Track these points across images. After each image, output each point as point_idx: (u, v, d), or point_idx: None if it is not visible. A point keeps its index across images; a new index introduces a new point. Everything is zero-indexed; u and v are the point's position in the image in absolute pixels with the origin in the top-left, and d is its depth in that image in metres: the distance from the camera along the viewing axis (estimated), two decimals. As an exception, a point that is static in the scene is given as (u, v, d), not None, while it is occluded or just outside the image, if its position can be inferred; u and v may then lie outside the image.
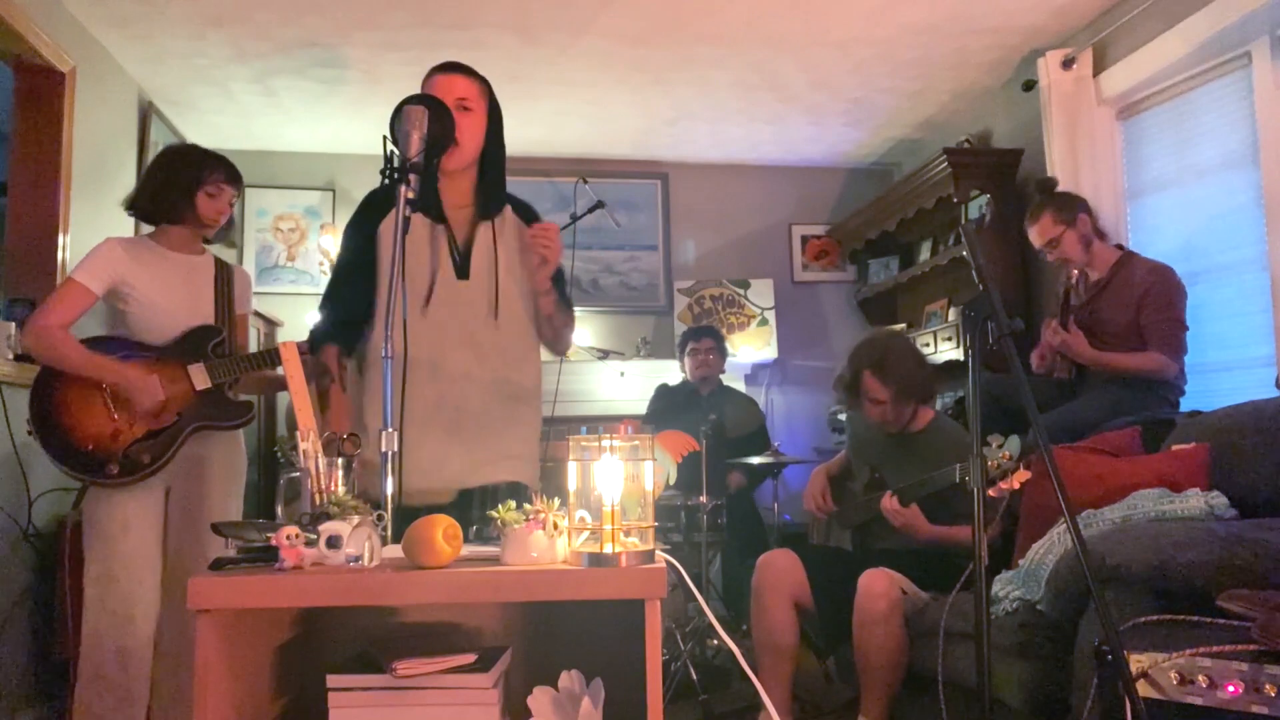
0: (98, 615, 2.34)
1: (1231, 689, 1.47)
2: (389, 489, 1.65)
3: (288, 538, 1.32)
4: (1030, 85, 4.10)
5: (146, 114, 4.40)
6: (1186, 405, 3.11)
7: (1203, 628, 1.68)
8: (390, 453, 1.66)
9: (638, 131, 5.15)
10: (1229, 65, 3.37)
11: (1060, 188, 3.47)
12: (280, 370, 2.58)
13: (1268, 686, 1.44)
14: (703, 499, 3.58)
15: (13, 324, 3.00)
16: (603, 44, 4.06)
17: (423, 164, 1.84)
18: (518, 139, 4.92)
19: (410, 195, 1.81)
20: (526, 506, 1.39)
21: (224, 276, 2.66)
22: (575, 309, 2.47)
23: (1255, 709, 1.44)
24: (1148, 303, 3.05)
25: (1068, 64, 3.88)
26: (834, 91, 4.64)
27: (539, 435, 2.28)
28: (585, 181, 4.97)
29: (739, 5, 3.73)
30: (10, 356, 2.96)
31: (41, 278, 3.42)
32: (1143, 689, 1.54)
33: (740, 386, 5.13)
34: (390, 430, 1.67)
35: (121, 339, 2.47)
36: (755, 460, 3.86)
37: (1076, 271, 3.22)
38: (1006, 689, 2.21)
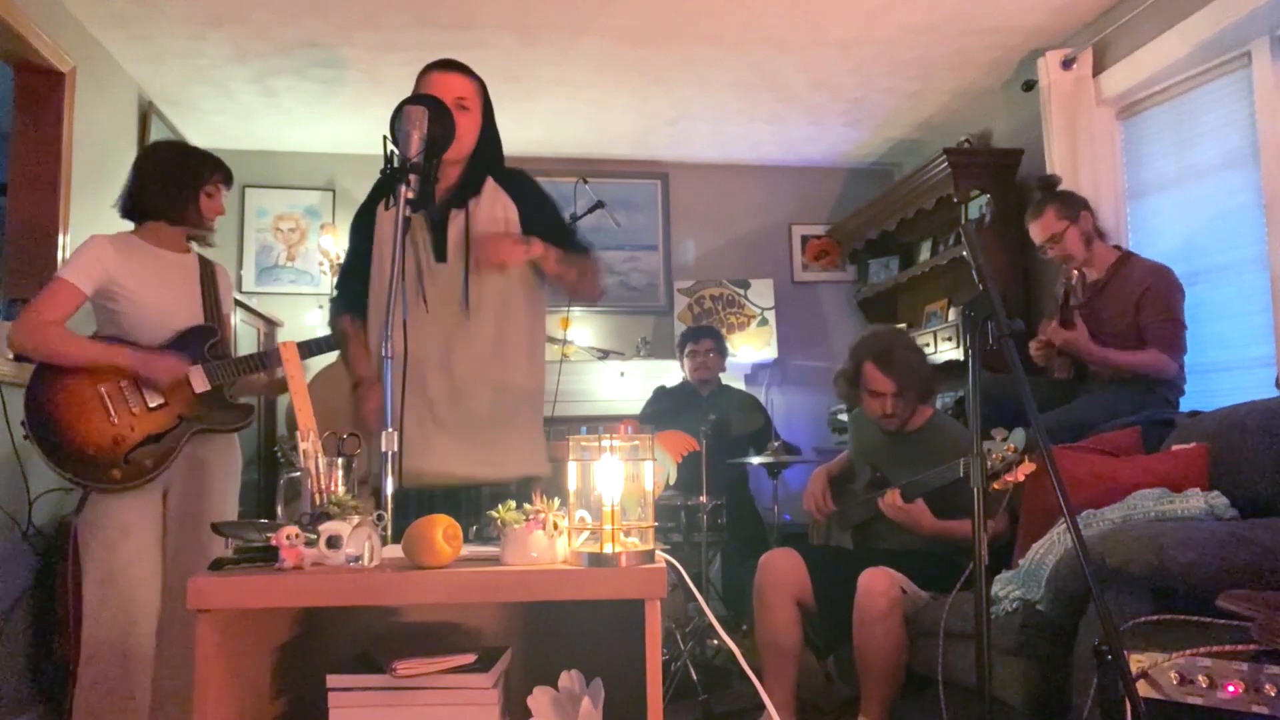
0: (98, 619, 2.32)
1: (1231, 689, 1.47)
2: (389, 489, 1.65)
3: (288, 538, 1.32)
4: (1030, 85, 4.10)
5: (146, 114, 4.40)
6: (1186, 405, 3.11)
7: (1203, 628, 1.68)
8: (390, 452, 1.66)
9: (638, 131, 5.15)
10: (1229, 65, 3.37)
11: (1061, 187, 3.47)
12: (280, 373, 2.59)
13: (1268, 686, 1.44)
14: (703, 499, 3.58)
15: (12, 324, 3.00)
16: (603, 44, 4.06)
17: (423, 164, 1.84)
18: (518, 139, 4.92)
19: (410, 195, 1.81)
20: (526, 506, 1.39)
21: (208, 275, 2.63)
22: (575, 308, 2.45)
23: (1255, 709, 1.44)
24: (1146, 303, 3.05)
25: (1068, 64, 3.88)
26: (834, 91, 4.64)
27: (537, 423, 2.27)
28: (585, 181, 4.97)
29: (739, 6, 3.73)
30: (10, 356, 2.96)
31: (41, 278, 3.42)
32: (1143, 689, 1.54)
33: (740, 386, 5.13)
34: (390, 430, 1.67)
35: (115, 340, 2.44)
36: (756, 460, 3.86)
37: (1076, 271, 3.21)
38: (1006, 689, 2.21)
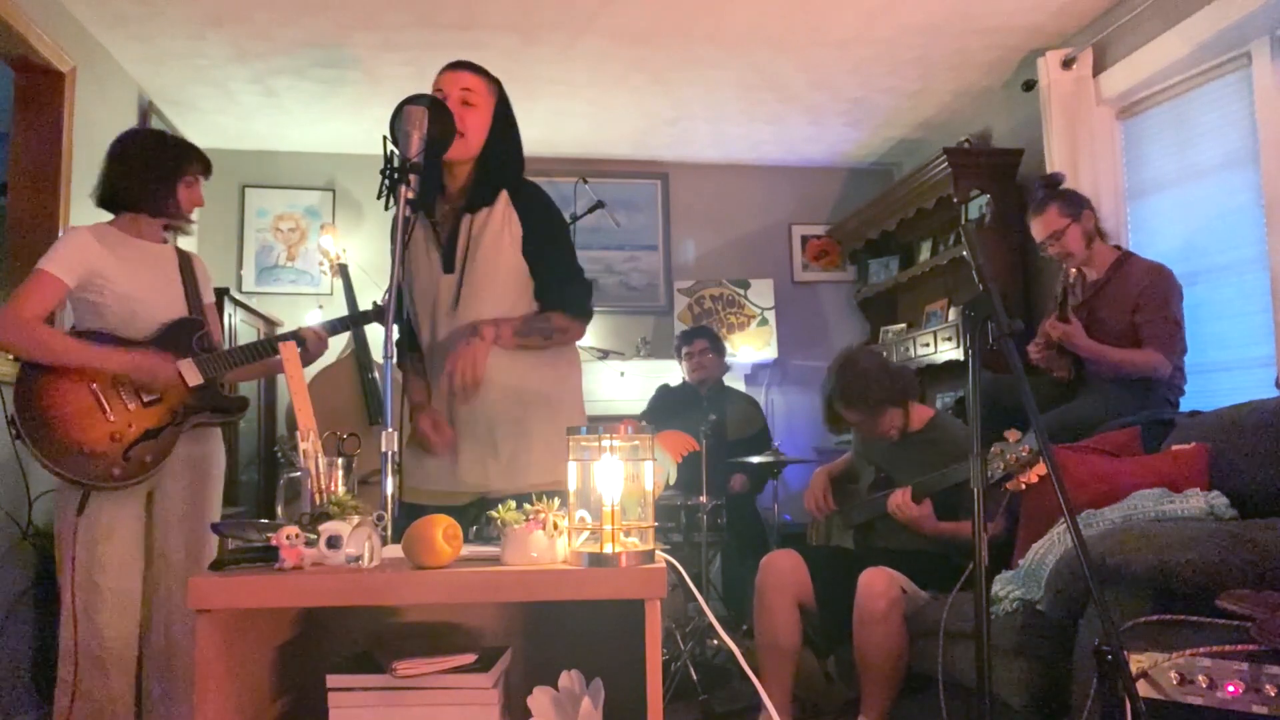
0: (78, 622, 2.27)
1: (1231, 689, 1.47)
2: (389, 489, 1.65)
3: (288, 538, 1.32)
4: (1030, 85, 4.10)
5: (146, 114, 4.40)
6: (1186, 405, 3.11)
7: (1203, 628, 1.68)
8: (390, 452, 1.66)
9: (638, 131, 5.15)
10: (1229, 65, 3.37)
11: (1062, 186, 3.47)
12: (282, 362, 2.57)
13: (1268, 686, 1.44)
14: (703, 499, 3.58)
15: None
16: (603, 44, 4.06)
17: (423, 164, 1.84)
18: (518, 139, 4.91)
19: (410, 195, 1.81)
20: (526, 507, 1.39)
21: (187, 266, 2.58)
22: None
23: (1255, 709, 1.44)
24: (1144, 302, 3.05)
25: (1068, 64, 3.88)
26: (834, 91, 4.64)
27: (556, 431, 2.26)
28: (585, 181, 4.97)
29: (739, 5, 3.73)
30: (10, 356, 2.96)
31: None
32: (1143, 689, 1.54)
33: (740, 386, 5.13)
34: (390, 430, 1.67)
35: (101, 334, 2.37)
36: (755, 460, 3.87)
37: (1075, 270, 3.21)
38: (1006, 689, 2.21)
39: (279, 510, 1.55)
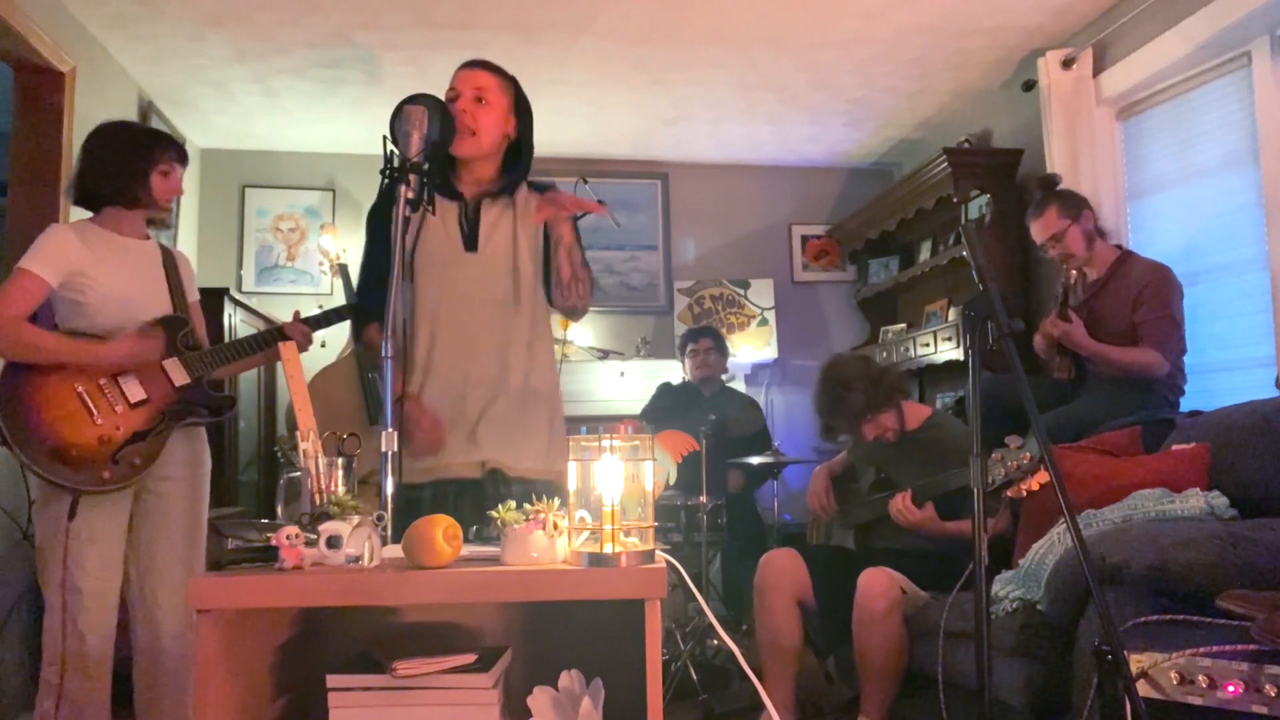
0: (60, 626, 2.24)
1: (1231, 689, 1.47)
2: (389, 489, 1.65)
3: (288, 538, 1.32)
4: (1030, 85, 4.10)
5: (146, 114, 4.40)
6: (1186, 405, 3.11)
7: (1203, 628, 1.68)
8: (390, 452, 1.66)
9: (638, 131, 5.15)
10: (1229, 65, 3.37)
11: (1061, 186, 3.47)
12: (269, 356, 2.55)
13: (1268, 686, 1.44)
14: (703, 499, 3.58)
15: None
16: (603, 44, 4.06)
17: (422, 164, 1.84)
18: (518, 139, 4.92)
19: (410, 195, 1.81)
20: (526, 506, 1.39)
21: (170, 263, 2.53)
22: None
23: (1255, 709, 1.44)
24: (1143, 300, 3.05)
25: (1068, 64, 3.88)
26: (834, 91, 4.64)
27: (558, 415, 2.26)
28: (585, 181, 4.97)
29: (739, 5, 3.73)
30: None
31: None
32: (1143, 689, 1.54)
33: (740, 386, 5.14)
34: (390, 430, 1.67)
35: (84, 333, 2.32)
36: (755, 460, 3.86)
37: (1076, 271, 3.22)
38: (1006, 689, 2.21)
39: (279, 510, 1.55)
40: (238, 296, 4.42)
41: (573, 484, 1.41)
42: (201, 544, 2.52)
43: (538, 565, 1.35)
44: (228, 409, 2.54)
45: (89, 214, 2.46)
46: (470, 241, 2.15)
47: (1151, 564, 1.87)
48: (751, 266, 5.66)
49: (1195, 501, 2.20)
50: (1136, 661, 1.56)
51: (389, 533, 1.57)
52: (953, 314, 4.75)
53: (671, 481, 3.72)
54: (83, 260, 2.31)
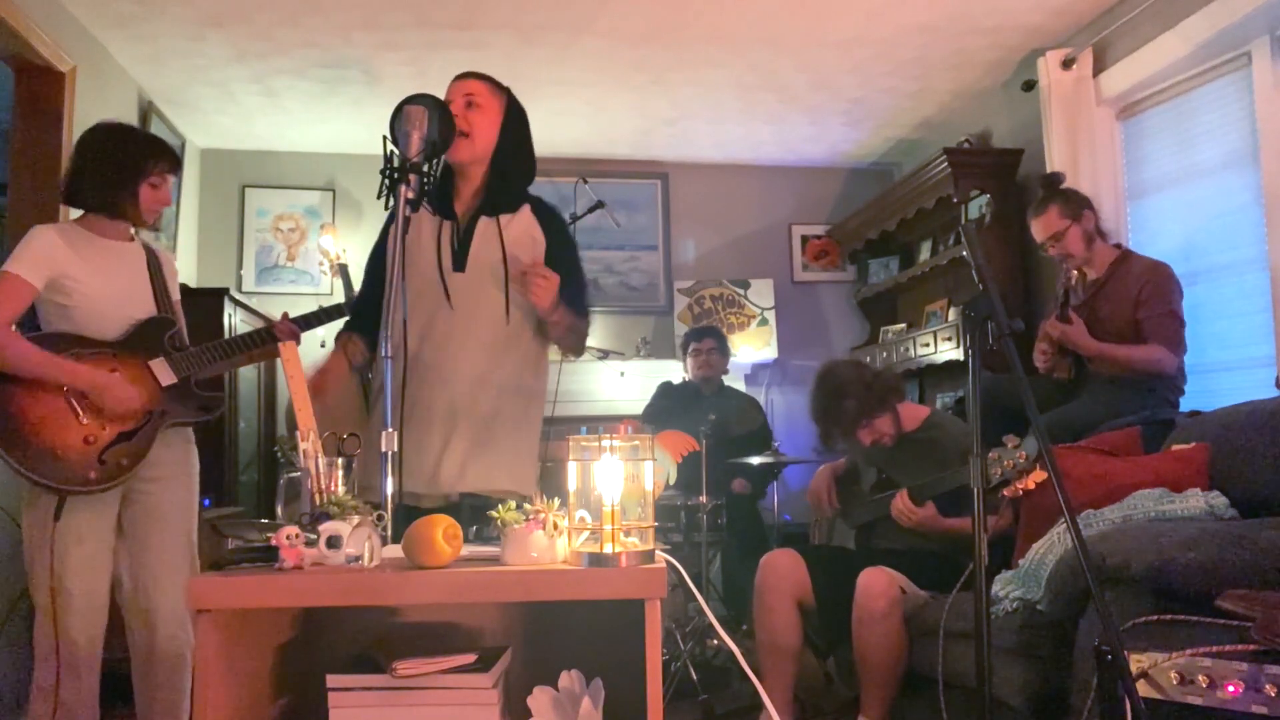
0: (49, 627, 2.23)
1: (1231, 689, 1.47)
2: (389, 489, 1.65)
3: (288, 538, 1.32)
4: (1030, 85, 4.10)
5: (146, 114, 4.40)
6: (1186, 405, 3.11)
7: (1203, 628, 1.68)
8: (390, 452, 1.66)
9: (638, 131, 5.15)
10: (1229, 65, 3.37)
11: (1062, 186, 3.47)
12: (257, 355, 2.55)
13: (1268, 686, 1.44)
14: (703, 499, 3.58)
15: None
16: (603, 44, 4.06)
17: (422, 163, 1.84)
18: (518, 139, 4.91)
19: (410, 195, 1.81)
20: (526, 507, 1.39)
21: (154, 263, 2.51)
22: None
23: (1255, 709, 1.44)
24: (1145, 298, 3.05)
25: (1068, 64, 3.88)
26: (834, 91, 4.64)
27: (537, 444, 2.27)
28: (585, 181, 4.97)
29: (739, 5, 3.73)
30: None
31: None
32: (1143, 689, 1.54)
33: (740, 386, 5.13)
34: (390, 430, 1.67)
35: (69, 335, 2.29)
36: (755, 460, 3.86)
37: (1076, 272, 3.21)
38: (1006, 689, 2.21)
39: (279, 510, 1.55)
40: (238, 296, 4.42)
41: (573, 484, 1.41)
42: (194, 542, 2.51)
43: (538, 565, 1.35)
44: (216, 409, 2.52)
45: (79, 211, 2.44)
46: (459, 262, 2.14)
47: (1151, 564, 1.87)
48: (751, 266, 5.66)
49: (1195, 501, 2.20)
50: (1136, 661, 1.56)
51: (389, 533, 1.57)
52: (953, 314, 4.75)
53: (671, 481, 3.72)
54: (68, 263, 2.29)
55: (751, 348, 5.47)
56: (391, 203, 1.83)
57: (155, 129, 4.42)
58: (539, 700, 1.43)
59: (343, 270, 4.71)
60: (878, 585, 2.55)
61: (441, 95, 2.06)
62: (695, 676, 3.25)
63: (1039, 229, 3.23)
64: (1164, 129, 3.70)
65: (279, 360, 2.49)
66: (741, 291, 5.58)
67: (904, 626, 2.56)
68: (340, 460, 1.51)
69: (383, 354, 1.73)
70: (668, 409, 4.39)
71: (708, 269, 5.63)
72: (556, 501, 1.41)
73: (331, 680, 1.41)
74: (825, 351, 5.65)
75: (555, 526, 1.38)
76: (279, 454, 4.43)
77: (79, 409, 2.25)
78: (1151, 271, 3.10)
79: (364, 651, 1.53)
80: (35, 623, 2.28)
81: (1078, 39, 3.94)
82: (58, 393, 2.23)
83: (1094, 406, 3.03)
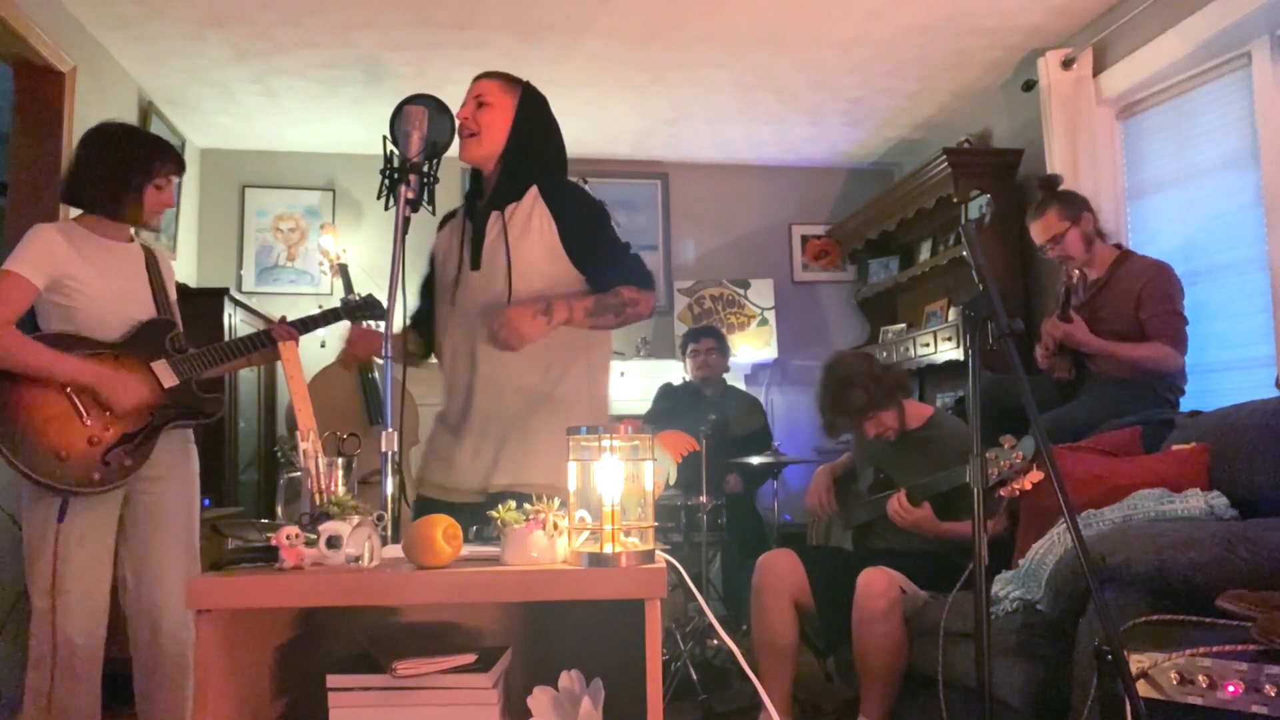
0: (48, 629, 2.22)
1: (1231, 689, 1.47)
2: (389, 489, 1.65)
3: (288, 538, 1.32)
4: (1030, 85, 4.10)
5: (146, 114, 4.40)
6: (1186, 405, 3.11)
7: (1203, 628, 1.68)
8: (390, 452, 1.66)
9: (638, 131, 5.15)
10: (1229, 65, 3.37)
11: (1061, 187, 3.47)
12: (258, 357, 2.55)
13: (1268, 686, 1.44)
14: (703, 499, 3.58)
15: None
16: (603, 44, 4.06)
17: (422, 164, 1.85)
18: (518, 139, 4.91)
19: (410, 195, 1.81)
20: (526, 506, 1.39)
21: (153, 264, 2.50)
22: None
23: (1255, 709, 1.44)
24: (1147, 297, 3.05)
25: (1068, 64, 3.88)
26: (834, 91, 4.64)
27: (557, 432, 2.25)
28: (585, 181, 4.96)
29: (739, 5, 3.73)
30: None
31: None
32: (1143, 689, 1.54)
33: (740, 386, 5.13)
34: (390, 430, 1.67)
35: (70, 336, 2.28)
36: (755, 460, 3.86)
37: (1077, 272, 3.21)
38: (1006, 689, 2.21)
39: (279, 510, 1.55)
40: (238, 296, 4.42)
41: (573, 484, 1.41)
42: (195, 542, 2.52)
43: (538, 565, 1.35)
44: (217, 411, 2.52)
45: (78, 210, 2.43)
46: (474, 261, 2.14)
47: (1151, 564, 1.87)
48: (751, 266, 5.66)
49: (1195, 501, 2.20)
50: (1136, 661, 1.56)
51: (389, 533, 1.57)
52: (953, 314, 4.75)
53: (671, 481, 3.72)
54: (69, 262, 2.28)
55: (751, 348, 5.47)
56: (392, 203, 1.83)
57: (155, 129, 4.41)
58: (539, 700, 1.43)
59: (343, 270, 4.71)
60: (878, 585, 2.55)
61: (441, 95, 2.05)
62: (695, 676, 3.25)
63: (1038, 231, 3.24)
64: (1164, 129, 3.70)
65: (279, 361, 2.48)
66: (741, 291, 5.58)
67: (904, 626, 2.56)
68: (340, 460, 1.51)
69: (383, 354, 1.73)
70: (669, 410, 4.39)
71: (708, 269, 5.63)
72: (556, 501, 1.41)
73: (331, 680, 1.41)
74: (825, 351, 5.60)
75: (555, 526, 1.38)
76: (279, 454, 4.44)
77: (83, 410, 2.24)
78: (1153, 271, 3.10)
79: (364, 651, 1.53)
80: (32, 625, 2.27)
81: (1078, 39, 3.94)
82: (60, 394, 2.23)
83: (1094, 406, 3.03)
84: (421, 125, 1.87)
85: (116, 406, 2.26)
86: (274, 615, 1.53)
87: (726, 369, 4.63)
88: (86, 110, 3.73)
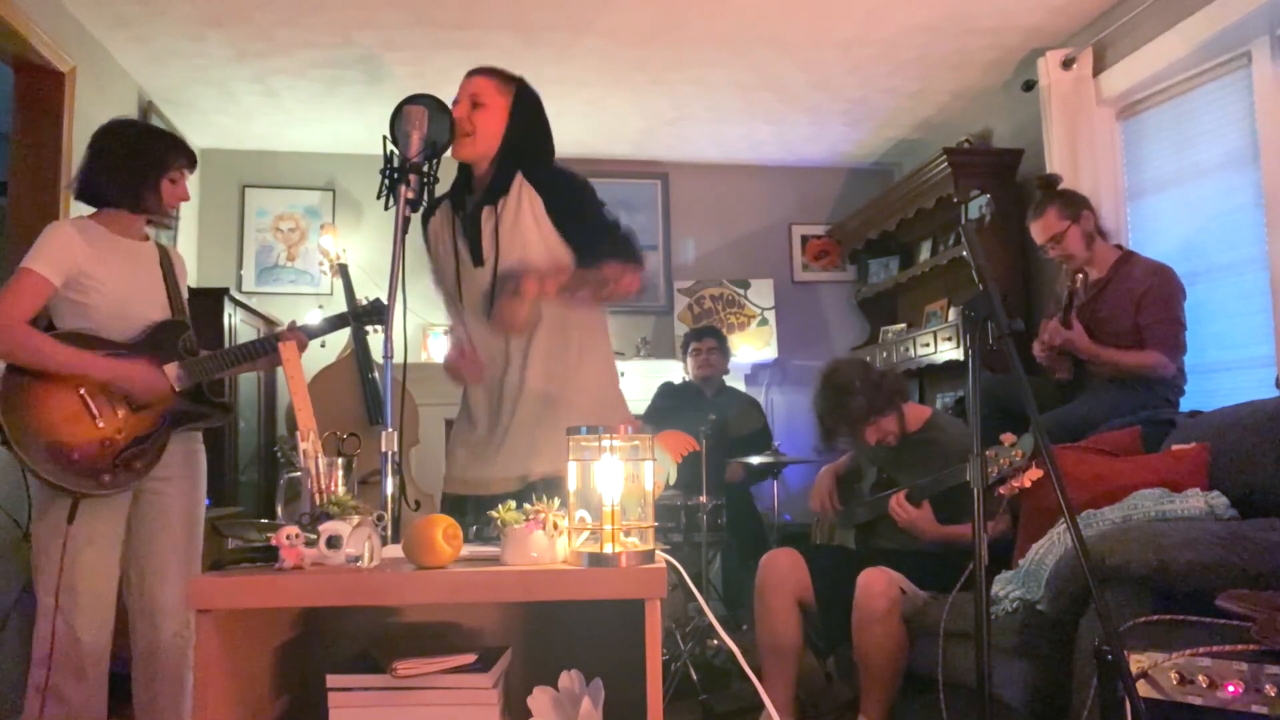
0: (52, 629, 2.22)
1: (1231, 689, 1.47)
2: (389, 489, 1.65)
3: (288, 538, 1.32)
4: (1030, 85, 4.10)
5: (146, 114, 4.40)
6: (1186, 405, 3.11)
7: (1203, 628, 1.68)
8: (390, 452, 1.66)
9: (638, 131, 5.15)
10: (1229, 65, 3.37)
11: (1061, 187, 3.47)
12: (266, 363, 2.56)
13: (1268, 686, 1.44)
14: (703, 499, 3.58)
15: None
16: (603, 44, 4.06)
17: (422, 163, 1.85)
18: (518, 139, 4.91)
19: (410, 195, 1.81)
20: (526, 507, 1.39)
21: (168, 263, 2.50)
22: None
23: (1255, 709, 1.44)
24: (1147, 303, 3.05)
25: (1068, 64, 3.88)
26: (834, 91, 4.64)
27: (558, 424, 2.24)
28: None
29: (739, 5, 3.73)
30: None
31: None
32: (1143, 689, 1.54)
33: (740, 386, 5.14)
34: (390, 430, 1.67)
35: (85, 335, 2.28)
36: (755, 460, 3.86)
37: (1080, 274, 3.21)
38: (1006, 689, 2.21)
39: (279, 510, 1.55)
40: (238, 296, 4.43)
41: (573, 484, 1.41)
42: (200, 543, 2.52)
43: (538, 565, 1.35)
44: (225, 414, 2.54)
45: (88, 209, 2.43)
46: (476, 256, 2.14)
47: (1151, 564, 1.87)
48: (751, 266, 5.66)
49: (1195, 501, 2.20)
50: (1136, 661, 1.56)
51: (389, 533, 1.57)
52: (953, 314, 4.75)
53: (671, 481, 3.72)
54: (86, 260, 2.28)
55: (751, 348, 5.47)
56: (392, 203, 1.83)
57: (155, 129, 4.42)
58: (539, 700, 1.43)
59: (343, 270, 4.70)
60: (878, 585, 2.55)
61: (441, 95, 2.05)
62: (695, 676, 3.25)
63: (1038, 231, 3.23)
64: (1164, 129, 3.70)
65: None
66: (741, 291, 5.58)
67: (904, 627, 2.56)
68: (340, 460, 1.51)
69: (384, 354, 1.73)
70: (669, 409, 4.39)
71: (708, 269, 5.63)
72: (556, 501, 1.41)
73: (331, 680, 1.41)
74: (825, 351, 5.64)
75: (555, 526, 1.38)
76: (279, 454, 4.44)
77: (96, 411, 2.25)
78: (1155, 275, 3.09)
79: (364, 651, 1.53)
80: (36, 624, 2.27)
81: (1078, 39, 3.94)
82: (74, 395, 2.23)
83: (1094, 406, 3.03)
84: (421, 125, 1.87)
85: (137, 401, 2.29)
86: (274, 615, 1.53)
87: (727, 370, 4.63)
88: (86, 110, 3.73)
